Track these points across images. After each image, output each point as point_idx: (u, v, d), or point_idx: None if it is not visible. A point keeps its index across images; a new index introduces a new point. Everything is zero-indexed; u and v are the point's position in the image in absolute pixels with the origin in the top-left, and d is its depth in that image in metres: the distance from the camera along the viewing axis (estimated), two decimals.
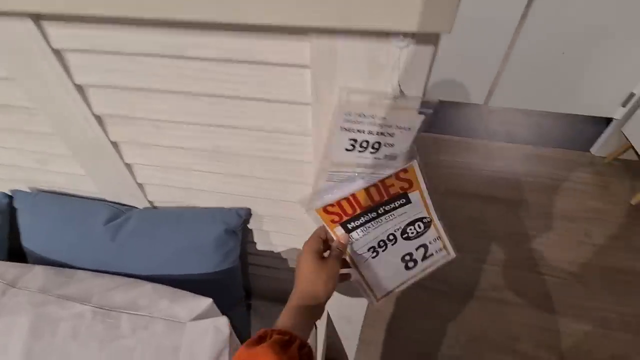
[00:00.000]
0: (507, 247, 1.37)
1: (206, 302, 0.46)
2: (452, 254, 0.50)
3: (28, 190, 0.66)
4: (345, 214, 0.43)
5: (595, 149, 1.75)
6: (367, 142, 0.38)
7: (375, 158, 0.39)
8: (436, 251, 0.49)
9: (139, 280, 0.52)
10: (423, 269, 0.49)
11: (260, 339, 0.35)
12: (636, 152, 1.56)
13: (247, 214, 0.57)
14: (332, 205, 0.43)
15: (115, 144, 0.51)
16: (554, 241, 1.38)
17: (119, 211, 0.59)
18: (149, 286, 0.50)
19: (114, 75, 0.42)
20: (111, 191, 0.60)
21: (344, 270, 0.47)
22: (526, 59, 1.55)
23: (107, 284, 0.51)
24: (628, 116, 1.58)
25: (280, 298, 0.48)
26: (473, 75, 1.69)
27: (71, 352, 0.43)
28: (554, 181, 1.62)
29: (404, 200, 0.44)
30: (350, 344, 0.95)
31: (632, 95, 1.53)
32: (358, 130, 0.37)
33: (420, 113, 0.36)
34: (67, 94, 0.44)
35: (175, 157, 0.52)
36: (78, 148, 0.53)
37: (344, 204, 0.43)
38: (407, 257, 0.48)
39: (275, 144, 0.46)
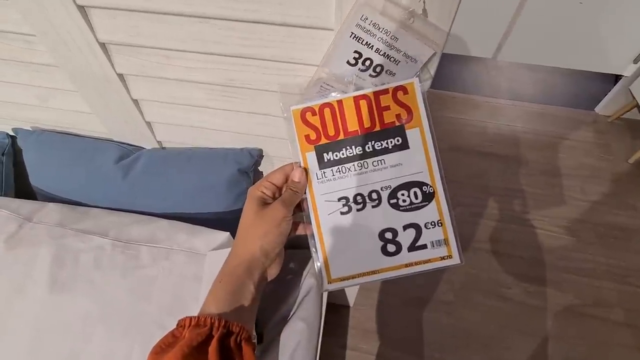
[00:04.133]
0: (503, 202, 1.40)
1: (223, 235, 0.47)
2: (457, 258, 0.36)
3: (30, 129, 0.64)
4: (326, 133, 0.35)
5: (599, 108, 1.73)
6: (371, 61, 0.34)
7: (373, 84, 0.36)
8: (433, 243, 0.36)
9: (153, 217, 0.52)
10: (407, 263, 0.36)
11: (174, 338, 0.28)
12: None
13: (259, 155, 0.57)
14: (313, 110, 0.34)
15: (121, 77, 0.49)
16: (550, 197, 1.42)
17: (127, 151, 0.58)
18: (164, 222, 0.51)
19: None
20: (118, 130, 0.59)
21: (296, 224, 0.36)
22: (541, 9, 1.47)
23: (123, 221, 0.52)
24: (638, 73, 1.54)
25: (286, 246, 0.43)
26: (484, 28, 1.62)
27: (95, 279, 0.44)
28: (554, 139, 1.62)
29: (400, 140, 0.35)
30: (351, 289, 1.00)
31: None
32: (366, 43, 0.34)
33: (430, 47, 0.33)
34: (69, 17, 0.41)
35: (186, 93, 0.50)
36: (82, 82, 0.51)
37: (327, 115, 0.34)
38: (389, 235, 0.36)
39: (291, 77, 0.44)
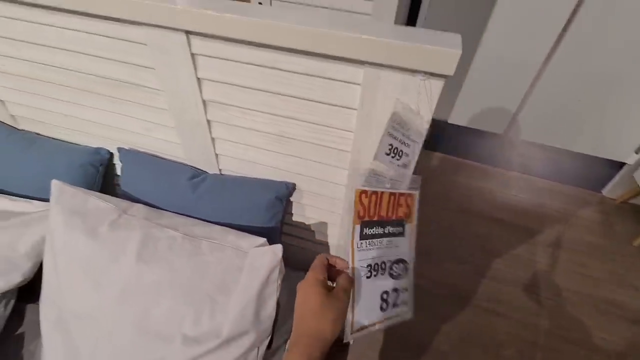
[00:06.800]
0: (506, 265, 1.48)
1: (261, 240, 0.64)
2: (410, 314, 0.48)
3: (127, 148, 0.86)
4: (369, 213, 0.44)
5: (606, 190, 1.83)
6: (397, 149, 0.47)
7: (397, 165, 0.48)
8: (402, 303, 0.48)
9: (210, 223, 0.70)
10: (388, 317, 0.46)
11: None
12: None
13: (293, 187, 0.75)
14: (366, 193, 0.44)
15: (209, 122, 0.71)
16: (551, 267, 1.49)
17: (197, 173, 0.79)
18: (217, 227, 0.69)
19: (224, 74, 0.61)
20: (194, 157, 0.80)
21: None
22: (546, 98, 1.67)
23: (188, 222, 0.70)
24: None
25: (303, 267, 0.51)
26: (496, 107, 1.83)
27: (169, 258, 0.61)
28: (561, 214, 1.72)
29: (401, 229, 0.47)
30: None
31: None
32: (394, 137, 0.46)
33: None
34: (189, 83, 0.64)
35: (250, 137, 0.71)
36: (181, 122, 0.73)
37: (372, 199, 0.44)
38: (385, 296, 0.46)
39: (325, 135, 0.64)
